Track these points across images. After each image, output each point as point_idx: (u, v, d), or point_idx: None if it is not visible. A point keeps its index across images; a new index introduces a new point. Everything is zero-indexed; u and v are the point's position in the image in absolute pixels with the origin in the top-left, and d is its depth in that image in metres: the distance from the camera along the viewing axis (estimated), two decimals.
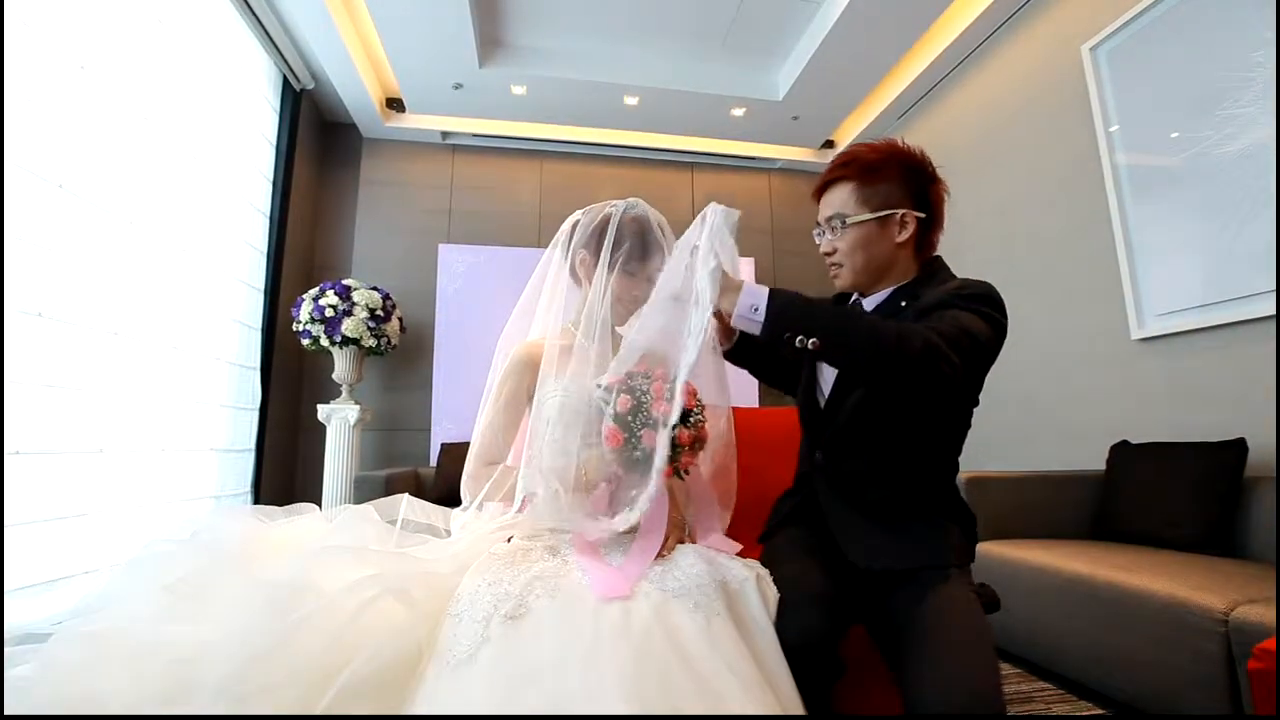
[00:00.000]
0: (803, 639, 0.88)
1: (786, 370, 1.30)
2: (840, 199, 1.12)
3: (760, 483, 1.35)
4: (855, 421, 1.10)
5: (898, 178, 1.11)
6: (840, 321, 0.93)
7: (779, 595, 0.94)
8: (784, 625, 0.90)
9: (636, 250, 1.18)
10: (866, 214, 1.10)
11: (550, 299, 1.27)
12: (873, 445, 1.09)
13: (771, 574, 0.98)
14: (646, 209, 1.22)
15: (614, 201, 1.23)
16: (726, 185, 4.66)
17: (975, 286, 1.05)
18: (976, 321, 0.97)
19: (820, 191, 1.17)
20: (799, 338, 0.91)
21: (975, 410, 1.14)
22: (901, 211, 1.10)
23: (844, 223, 1.11)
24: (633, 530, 1.06)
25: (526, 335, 1.27)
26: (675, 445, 1.01)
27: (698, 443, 1.05)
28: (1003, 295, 1.06)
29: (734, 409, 1.55)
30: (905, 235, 1.10)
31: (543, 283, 1.29)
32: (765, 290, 0.95)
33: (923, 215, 1.11)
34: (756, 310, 0.94)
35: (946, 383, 0.91)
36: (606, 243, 1.18)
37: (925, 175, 1.13)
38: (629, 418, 1.01)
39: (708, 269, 0.96)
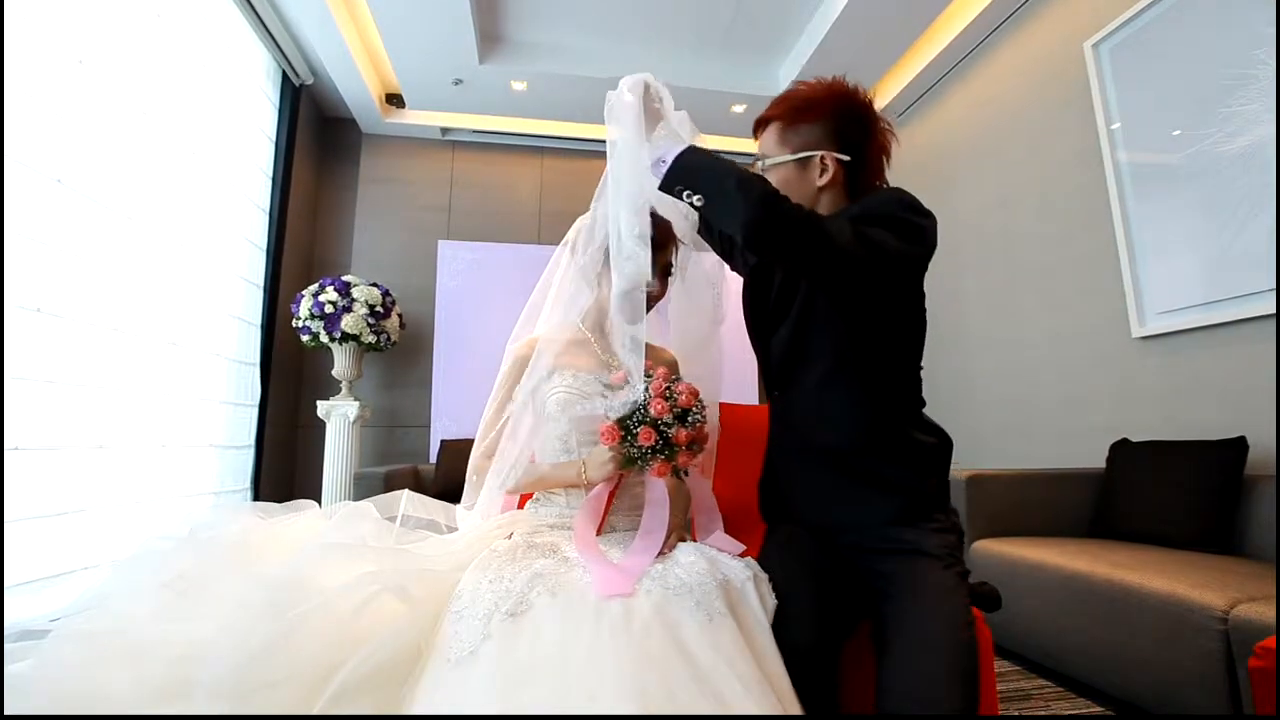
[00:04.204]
0: (795, 652, 0.88)
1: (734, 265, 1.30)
2: (767, 140, 1.10)
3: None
4: (794, 351, 1.06)
5: (824, 118, 1.06)
6: (724, 180, 0.89)
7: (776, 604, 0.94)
8: (779, 637, 0.89)
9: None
10: (786, 155, 1.06)
11: (557, 299, 1.27)
12: (817, 379, 1.04)
13: (769, 578, 0.97)
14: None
15: None
16: None
17: (878, 198, 0.99)
18: (879, 231, 0.92)
19: (756, 133, 1.14)
20: (686, 192, 0.90)
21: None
22: (821, 153, 1.05)
23: (764, 165, 1.08)
24: (635, 529, 1.06)
25: (533, 334, 1.27)
26: (672, 445, 1.01)
27: (696, 443, 1.04)
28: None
29: (734, 407, 1.55)
30: (826, 179, 1.05)
31: (550, 283, 1.29)
32: (686, 146, 0.93)
33: (847, 158, 1.06)
34: (664, 162, 0.93)
35: (827, 248, 0.86)
36: None
37: (858, 118, 1.07)
38: (626, 416, 1.01)
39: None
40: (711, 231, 1.28)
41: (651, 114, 1.01)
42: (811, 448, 1.06)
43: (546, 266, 1.30)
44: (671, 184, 0.92)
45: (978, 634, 0.94)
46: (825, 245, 0.87)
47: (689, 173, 0.91)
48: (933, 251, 0.98)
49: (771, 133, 1.09)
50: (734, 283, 1.29)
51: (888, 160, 1.11)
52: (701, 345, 1.24)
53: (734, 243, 1.30)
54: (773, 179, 1.06)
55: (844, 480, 1.03)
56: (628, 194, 0.99)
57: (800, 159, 1.06)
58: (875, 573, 1.00)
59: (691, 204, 0.90)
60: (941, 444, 1.05)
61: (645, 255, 0.97)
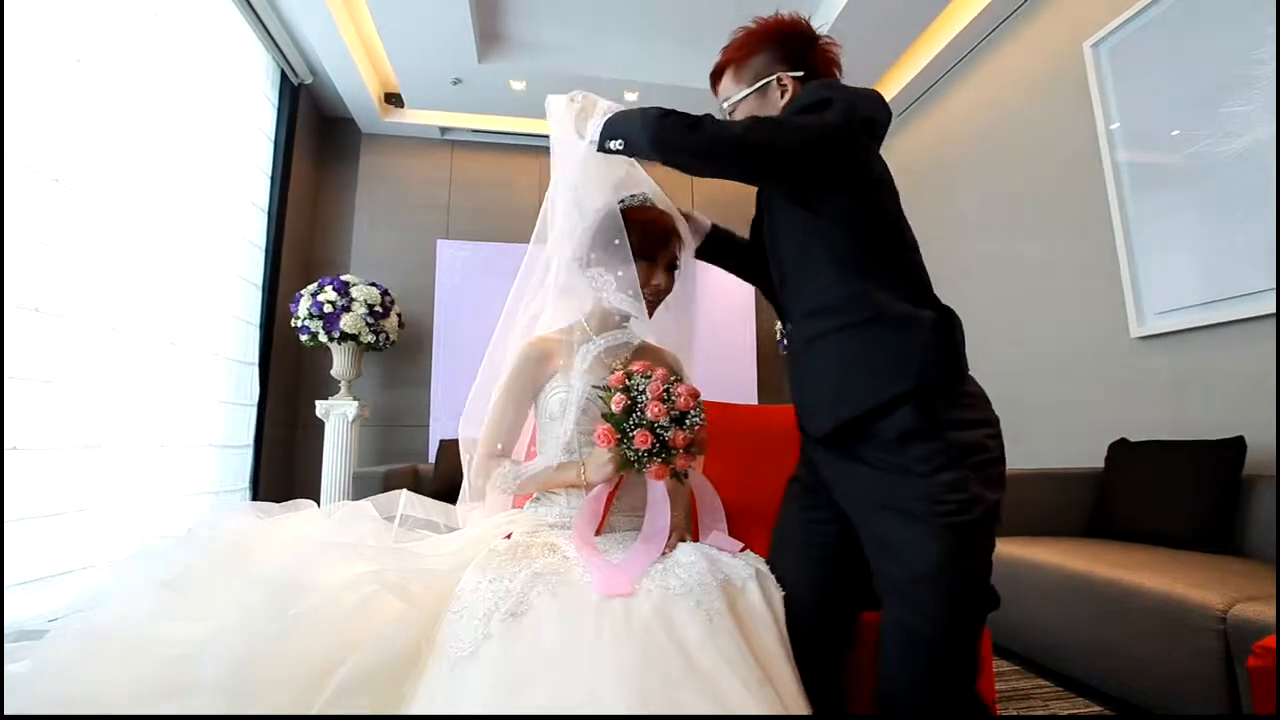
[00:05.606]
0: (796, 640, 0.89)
1: (755, 261, 1.27)
2: (726, 86, 1.16)
3: (761, 480, 1.35)
4: (781, 271, 1.08)
5: (768, 46, 1.12)
6: (631, 119, 0.99)
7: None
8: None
9: (652, 238, 1.16)
10: (744, 89, 1.12)
11: (558, 298, 1.27)
12: (797, 282, 1.03)
13: (770, 568, 0.99)
14: (650, 195, 1.21)
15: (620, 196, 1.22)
16: (727, 182, 4.64)
17: (803, 91, 1.05)
18: (798, 117, 0.96)
19: (714, 87, 1.19)
20: (611, 143, 1.00)
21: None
22: (776, 75, 1.10)
23: (728, 105, 1.14)
24: (636, 529, 1.06)
25: (531, 331, 1.26)
26: (669, 448, 1.00)
27: (694, 446, 1.03)
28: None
29: (734, 407, 1.55)
30: (787, 97, 1.10)
31: (546, 280, 1.28)
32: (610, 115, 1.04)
33: (800, 74, 1.11)
34: (596, 132, 1.03)
35: (725, 137, 0.92)
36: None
37: (799, 37, 1.12)
38: (622, 419, 1.00)
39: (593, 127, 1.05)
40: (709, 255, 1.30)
41: (581, 116, 1.12)
42: (804, 341, 1.03)
43: (555, 270, 1.28)
44: (602, 144, 1.03)
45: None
46: (723, 136, 0.93)
47: (609, 128, 1.02)
48: (864, 123, 0.99)
49: (727, 77, 1.15)
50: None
51: (839, 71, 1.16)
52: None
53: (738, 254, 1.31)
54: (740, 116, 1.13)
55: (832, 363, 0.98)
56: (564, 173, 1.16)
57: (758, 88, 1.11)
58: (868, 538, 0.97)
59: (619, 151, 1.00)
60: (942, 316, 0.98)
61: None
